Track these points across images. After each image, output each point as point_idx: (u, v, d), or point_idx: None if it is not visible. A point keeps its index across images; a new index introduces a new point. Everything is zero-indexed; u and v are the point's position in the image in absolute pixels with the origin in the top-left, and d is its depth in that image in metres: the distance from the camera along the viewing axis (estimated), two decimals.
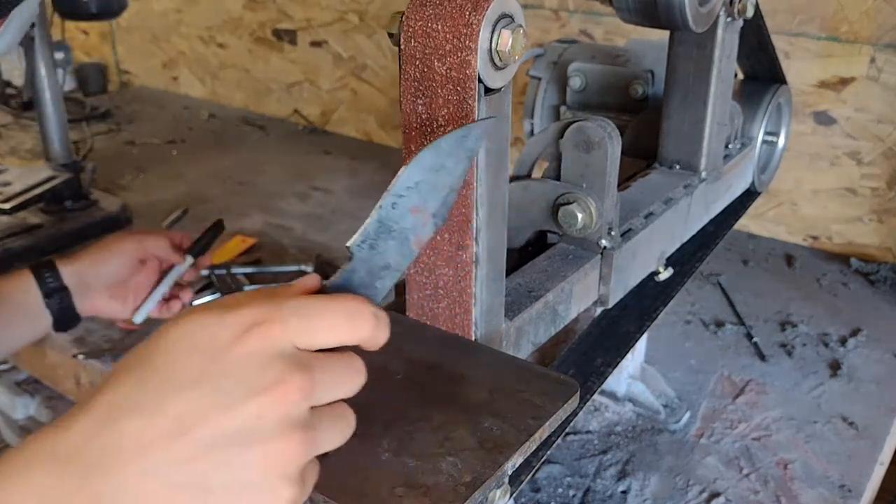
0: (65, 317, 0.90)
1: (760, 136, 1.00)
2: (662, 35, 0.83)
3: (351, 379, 0.41)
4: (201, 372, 0.37)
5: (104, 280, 0.92)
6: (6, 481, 0.36)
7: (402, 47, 0.52)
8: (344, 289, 0.44)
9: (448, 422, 0.49)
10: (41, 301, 0.88)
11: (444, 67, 0.50)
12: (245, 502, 0.37)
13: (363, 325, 0.40)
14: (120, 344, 1.17)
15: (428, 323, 0.60)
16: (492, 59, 0.50)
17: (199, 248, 1.01)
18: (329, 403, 0.41)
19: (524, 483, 0.61)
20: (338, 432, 0.41)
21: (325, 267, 1.35)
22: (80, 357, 1.15)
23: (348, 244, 0.44)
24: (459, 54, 0.49)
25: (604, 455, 0.95)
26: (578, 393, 0.53)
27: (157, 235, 0.96)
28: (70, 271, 0.89)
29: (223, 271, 1.31)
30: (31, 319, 0.88)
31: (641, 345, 1.01)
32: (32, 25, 1.45)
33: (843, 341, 1.17)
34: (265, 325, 0.38)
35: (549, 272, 0.67)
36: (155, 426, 0.36)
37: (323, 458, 0.45)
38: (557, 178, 0.69)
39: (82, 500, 0.36)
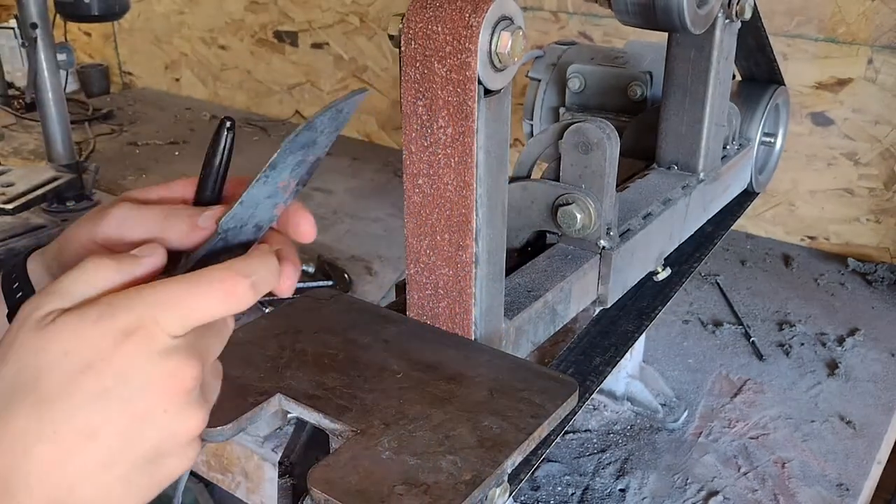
0: None
1: (758, 137, 1.01)
2: (661, 37, 0.83)
3: (224, 338, 0.44)
4: (94, 386, 0.38)
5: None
6: None
7: (403, 49, 0.52)
8: (211, 257, 0.44)
9: (448, 420, 0.50)
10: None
11: (444, 69, 0.51)
12: (165, 469, 0.40)
13: (243, 299, 0.41)
14: None
15: (428, 323, 0.60)
16: (491, 61, 0.50)
17: (211, 187, 0.51)
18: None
19: (523, 481, 0.61)
20: (218, 385, 0.45)
21: (327, 267, 1.36)
22: None
23: (219, 223, 0.44)
24: (459, 56, 0.50)
25: (602, 454, 0.95)
26: (577, 392, 0.53)
27: (119, 209, 0.51)
28: (40, 274, 0.59)
29: None
30: None
31: (640, 344, 1.02)
32: (35, 26, 1.46)
33: (840, 341, 1.18)
34: (142, 330, 0.38)
35: (548, 272, 0.67)
36: (66, 442, 0.37)
37: (324, 457, 0.46)
38: (556, 178, 0.69)
39: None
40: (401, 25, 0.52)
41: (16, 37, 2.15)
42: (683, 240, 0.88)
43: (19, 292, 0.58)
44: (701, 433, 0.99)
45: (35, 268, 0.59)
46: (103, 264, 0.41)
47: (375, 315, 0.63)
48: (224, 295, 0.40)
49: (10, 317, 0.56)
